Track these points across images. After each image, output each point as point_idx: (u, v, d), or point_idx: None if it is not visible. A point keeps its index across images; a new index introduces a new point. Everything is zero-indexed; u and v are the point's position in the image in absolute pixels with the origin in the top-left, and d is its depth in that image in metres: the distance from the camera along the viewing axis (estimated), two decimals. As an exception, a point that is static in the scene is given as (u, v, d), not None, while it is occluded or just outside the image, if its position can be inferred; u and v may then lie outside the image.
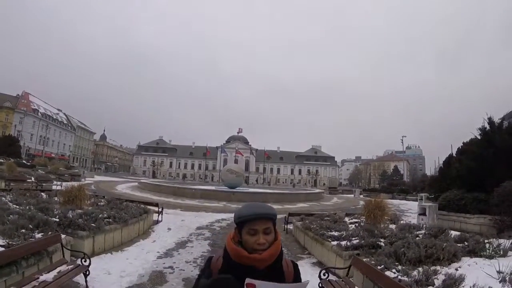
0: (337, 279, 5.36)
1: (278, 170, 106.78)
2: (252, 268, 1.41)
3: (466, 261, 4.79)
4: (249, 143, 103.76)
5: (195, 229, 10.71)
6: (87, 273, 4.81)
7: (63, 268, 4.59)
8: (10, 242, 4.56)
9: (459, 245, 5.50)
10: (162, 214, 11.89)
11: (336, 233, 7.66)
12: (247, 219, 1.45)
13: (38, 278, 4.04)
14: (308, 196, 28.36)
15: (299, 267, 1.63)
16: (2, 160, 25.07)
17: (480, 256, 4.97)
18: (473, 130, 14.31)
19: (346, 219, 10.18)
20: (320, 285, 4.87)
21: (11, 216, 5.66)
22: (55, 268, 4.50)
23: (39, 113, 75.41)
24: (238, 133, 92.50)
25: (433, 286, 3.77)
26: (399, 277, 4.23)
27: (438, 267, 4.39)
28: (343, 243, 6.75)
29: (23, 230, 5.15)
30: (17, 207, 6.99)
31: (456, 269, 4.27)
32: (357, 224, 8.72)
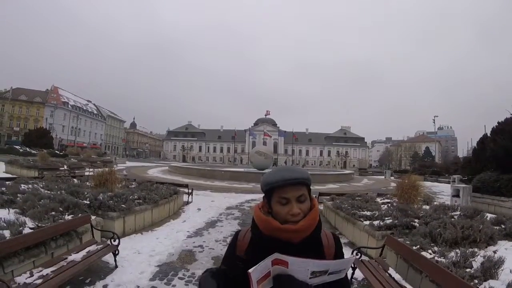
0: (369, 259, 5.18)
1: (307, 151, 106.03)
2: (285, 243, 1.20)
3: (503, 245, 4.53)
4: (277, 125, 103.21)
5: (225, 209, 10.77)
6: (116, 252, 4.89)
7: (93, 248, 4.67)
8: (40, 225, 4.64)
9: (495, 227, 5.18)
10: (192, 195, 12.04)
11: (368, 213, 7.43)
12: (276, 186, 1.22)
13: (66, 258, 4.13)
14: (338, 177, 28.01)
15: None
16: (35, 152, 26.07)
17: None
18: (509, 109, 13.50)
19: (378, 199, 9.89)
20: (353, 265, 4.70)
21: (42, 200, 5.77)
22: (85, 248, 4.58)
23: (69, 105, 78.37)
24: (266, 115, 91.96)
25: (471, 269, 3.54)
26: (436, 258, 4.02)
27: (475, 249, 4.13)
28: (376, 222, 6.52)
29: (53, 213, 5.25)
30: (49, 192, 7.16)
31: (494, 252, 4.00)
32: (389, 204, 8.42)
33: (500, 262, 3.40)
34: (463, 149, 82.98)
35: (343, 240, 7.30)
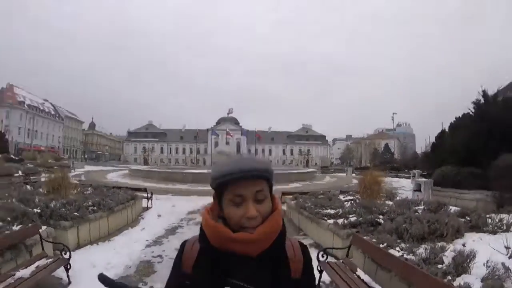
0: (336, 260, 5.11)
1: (270, 151, 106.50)
2: (240, 256, 0.93)
3: (470, 237, 4.57)
4: (240, 124, 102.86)
5: (186, 214, 10.48)
6: (69, 266, 4.49)
7: (42, 262, 4.25)
8: None
9: (461, 220, 5.25)
10: (151, 200, 11.68)
11: (331, 211, 7.40)
12: (228, 180, 0.94)
13: (14, 274, 3.71)
14: (301, 176, 28.24)
15: None
16: None
17: (484, 232, 4.76)
18: (464, 107, 14.19)
19: (341, 196, 9.98)
20: (319, 268, 4.59)
21: None
22: (34, 263, 4.15)
23: (25, 105, 73.35)
24: (228, 114, 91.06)
25: (442, 264, 3.49)
26: (404, 255, 3.97)
27: (444, 244, 4.13)
28: (340, 221, 6.47)
29: (0, 223, 4.80)
30: None
31: (463, 245, 4.00)
32: (352, 201, 8.49)
33: (471, 255, 3.37)
34: (421, 146, 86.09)
35: (308, 241, 7.22)
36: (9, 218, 5.14)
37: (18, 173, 18.69)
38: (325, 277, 4.60)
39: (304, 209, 8.33)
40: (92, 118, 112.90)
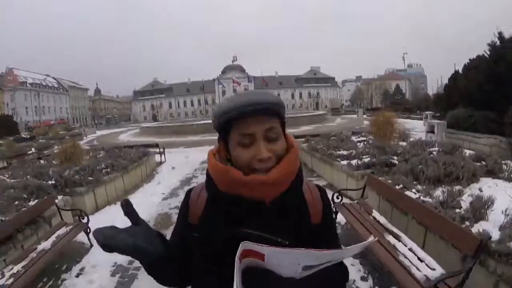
0: (351, 202, 5.11)
1: (278, 95, 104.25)
2: (252, 203, 0.83)
3: (486, 182, 4.42)
4: (246, 71, 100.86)
5: (200, 164, 10.67)
6: (88, 230, 4.57)
7: (62, 231, 4.32)
8: (3, 218, 4.18)
9: (477, 164, 5.07)
10: (164, 154, 11.86)
11: (345, 152, 7.39)
12: (234, 117, 0.82)
13: (36, 248, 3.77)
14: (311, 119, 28.01)
15: None
16: (1, 142, 24.61)
17: (499, 178, 4.59)
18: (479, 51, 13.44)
19: (353, 138, 9.91)
20: (334, 209, 4.62)
21: (6, 191, 5.29)
22: (54, 233, 4.23)
23: (27, 84, 73.77)
24: (233, 61, 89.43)
25: (460, 209, 3.40)
26: (421, 197, 3.89)
27: (461, 187, 4.02)
28: (354, 162, 6.44)
29: (17, 202, 4.83)
30: (14, 180, 6.57)
31: (480, 190, 3.89)
32: (365, 142, 8.41)
33: (489, 201, 3.24)
34: (433, 87, 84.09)
35: (322, 183, 7.18)
36: (24, 195, 5.15)
37: (31, 150, 19.06)
38: (340, 218, 4.63)
39: (317, 151, 8.31)
40: (97, 84, 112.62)
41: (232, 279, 0.65)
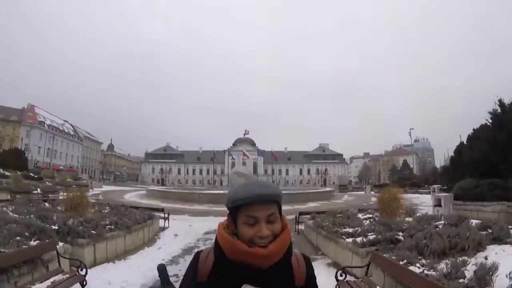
0: (355, 279, 4.98)
1: (287, 171, 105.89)
2: (252, 268, 1.04)
3: (493, 249, 4.41)
4: (256, 145, 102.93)
5: (203, 234, 10.50)
6: (84, 283, 4.50)
7: (58, 277, 4.28)
8: (3, 250, 4.23)
9: (483, 232, 5.07)
10: (168, 220, 11.73)
11: (350, 230, 7.29)
12: (243, 203, 1.05)
13: (30, 287, 3.72)
14: (319, 195, 27.90)
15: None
16: (8, 174, 25.06)
17: (506, 243, 4.58)
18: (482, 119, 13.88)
19: (360, 215, 9.80)
20: (338, 287, 4.53)
21: (8, 225, 5.36)
22: (50, 278, 4.19)
23: (45, 125, 75.18)
24: (244, 135, 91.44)
25: (464, 279, 3.37)
26: (425, 271, 3.84)
27: (465, 258, 3.98)
28: (359, 239, 6.36)
29: (18, 238, 4.85)
30: (17, 215, 6.69)
31: (486, 258, 3.86)
32: (371, 219, 8.34)
33: (494, 268, 3.25)
34: (440, 160, 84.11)
35: (326, 261, 7.16)
36: (26, 233, 5.19)
37: (36, 190, 19.19)
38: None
39: (322, 228, 8.22)
40: (111, 140, 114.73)
41: None
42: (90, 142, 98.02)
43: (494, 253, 4.15)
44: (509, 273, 3.04)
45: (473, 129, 16.74)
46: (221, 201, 21.59)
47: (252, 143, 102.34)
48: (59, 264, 4.81)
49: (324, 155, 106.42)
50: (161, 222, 11.33)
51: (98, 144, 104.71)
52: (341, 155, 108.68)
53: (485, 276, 3.17)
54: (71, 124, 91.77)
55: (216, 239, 1.13)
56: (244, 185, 1.11)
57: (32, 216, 6.68)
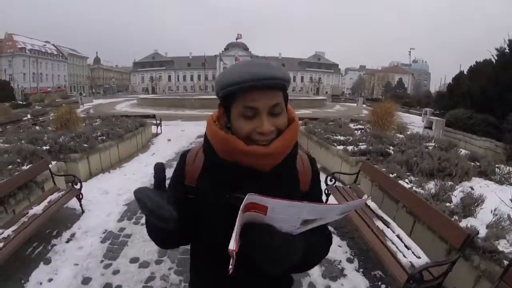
0: (343, 186, 5.15)
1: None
2: (250, 170, 0.85)
3: (478, 182, 4.47)
4: (249, 50, 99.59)
5: (196, 138, 10.79)
6: (81, 196, 4.60)
7: (54, 196, 4.32)
8: None
9: (471, 163, 5.11)
10: (161, 126, 11.94)
11: (342, 138, 7.43)
12: (239, 89, 0.81)
13: (27, 212, 3.77)
14: (311, 103, 28.13)
15: None
16: None
17: (491, 180, 4.63)
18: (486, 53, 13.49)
19: (351, 125, 9.93)
20: (327, 191, 4.71)
21: (0, 156, 5.24)
22: (46, 198, 4.22)
23: (26, 51, 71.94)
24: (237, 39, 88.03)
25: (451, 203, 3.46)
26: (414, 188, 3.94)
27: (452, 183, 4.06)
28: (350, 148, 6.48)
29: (10, 166, 4.78)
30: (8, 145, 6.51)
31: (472, 188, 3.90)
32: (363, 130, 8.43)
33: (480, 200, 3.30)
34: (436, 85, 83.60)
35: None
36: (18, 160, 5.11)
37: (26, 116, 18.93)
38: (332, 201, 4.66)
39: (314, 134, 8.32)
40: (96, 53, 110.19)
41: (227, 241, 0.66)
42: (75, 59, 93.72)
43: (478, 186, 4.21)
44: (494, 209, 3.10)
45: (476, 62, 16.38)
46: (212, 105, 21.54)
47: (245, 48, 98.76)
48: (54, 183, 4.84)
49: (318, 64, 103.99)
50: (154, 129, 11.49)
51: (84, 59, 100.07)
52: (337, 65, 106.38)
53: (471, 205, 3.23)
54: (53, 44, 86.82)
55: (205, 135, 0.95)
56: (239, 64, 0.86)
57: (23, 142, 6.53)
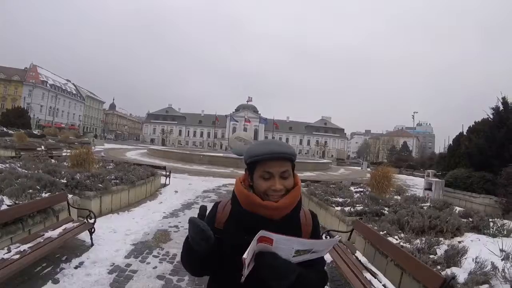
0: (339, 243, 5.39)
1: (287, 139, 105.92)
2: (265, 219, 1.19)
3: (469, 237, 4.73)
4: (259, 112, 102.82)
5: (202, 192, 10.96)
6: (93, 230, 4.92)
7: (69, 225, 4.68)
8: (17, 202, 4.60)
9: (463, 220, 5.39)
10: (169, 178, 12.15)
11: (340, 199, 7.68)
12: (261, 159, 1.19)
13: (43, 234, 4.13)
14: (316, 166, 28.58)
15: None
16: (12, 132, 25.31)
17: (484, 234, 4.89)
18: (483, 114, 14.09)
19: (352, 188, 10.18)
20: None
21: (19, 179, 5.69)
22: (61, 226, 4.59)
23: (47, 85, 75.62)
24: (247, 101, 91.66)
25: (435, 255, 3.74)
26: (401, 243, 4.22)
27: (441, 239, 4.35)
28: (347, 208, 6.72)
29: (30, 191, 5.20)
30: (26, 171, 7.09)
31: (459, 242, 4.20)
32: (362, 193, 8.70)
33: (463, 251, 3.58)
34: (440, 146, 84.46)
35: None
36: (38, 187, 5.55)
37: (40, 147, 19.57)
38: (327, 257, 4.90)
39: (315, 196, 8.60)
40: (113, 99, 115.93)
41: (240, 271, 1.03)
42: (92, 101, 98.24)
43: (469, 240, 4.47)
44: (475, 258, 3.37)
45: (475, 122, 16.98)
46: (220, 163, 22.33)
47: (255, 110, 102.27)
48: (69, 214, 5.24)
49: (325, 128, 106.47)
50: (163, 180, 11.74)
51: (100, 103, 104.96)
52: (342, 129, 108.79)
53: (454, 257, 3.51)
54: (73, 84, 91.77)
55: (233, 192, 1.29)
56: (262, 142, 1.25)
57: (40, 171, 7.06)
